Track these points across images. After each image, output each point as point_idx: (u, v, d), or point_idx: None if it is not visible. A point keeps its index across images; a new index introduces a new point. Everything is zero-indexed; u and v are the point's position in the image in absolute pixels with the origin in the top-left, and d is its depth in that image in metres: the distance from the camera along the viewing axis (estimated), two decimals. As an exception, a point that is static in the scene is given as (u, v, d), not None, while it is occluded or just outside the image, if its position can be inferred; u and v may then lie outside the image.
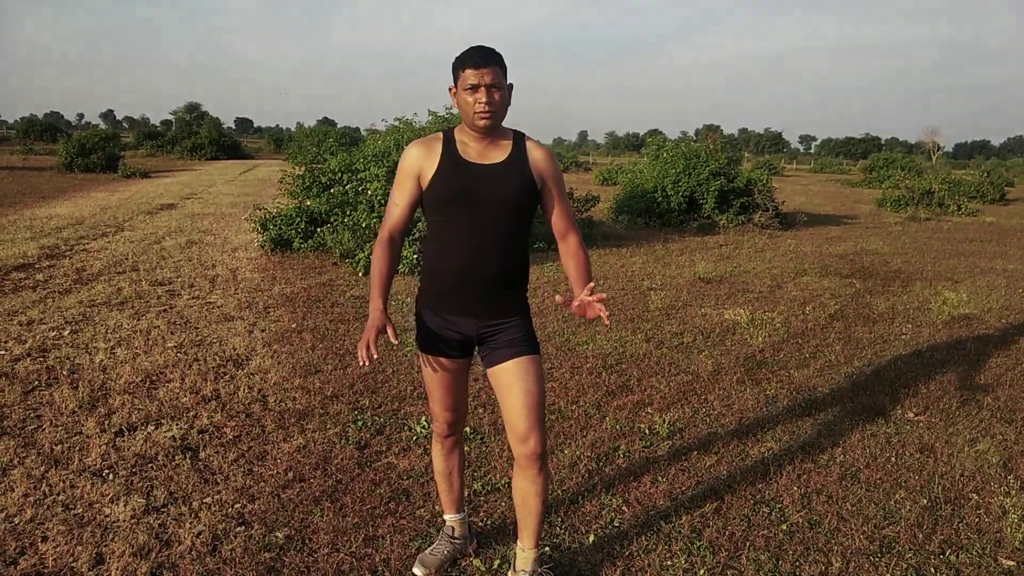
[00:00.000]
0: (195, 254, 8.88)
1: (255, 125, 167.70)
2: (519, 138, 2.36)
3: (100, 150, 24.13)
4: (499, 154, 2.30)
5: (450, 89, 2.27)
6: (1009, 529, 3.04)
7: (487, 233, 2.25)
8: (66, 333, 5.36)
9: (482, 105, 2.17)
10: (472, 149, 2.29)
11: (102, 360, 4.77)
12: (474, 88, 2.17)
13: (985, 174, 26.42)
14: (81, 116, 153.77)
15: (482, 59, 2.15)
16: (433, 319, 2.38)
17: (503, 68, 2.20)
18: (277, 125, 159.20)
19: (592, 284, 2.22)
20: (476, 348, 2.44)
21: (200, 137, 37.89)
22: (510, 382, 2.34)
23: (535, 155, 2.32)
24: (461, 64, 2.18)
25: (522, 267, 2.37)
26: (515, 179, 2.27)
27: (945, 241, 12.57)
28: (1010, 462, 3.73)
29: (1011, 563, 2.83)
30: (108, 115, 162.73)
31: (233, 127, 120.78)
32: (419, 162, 2.28)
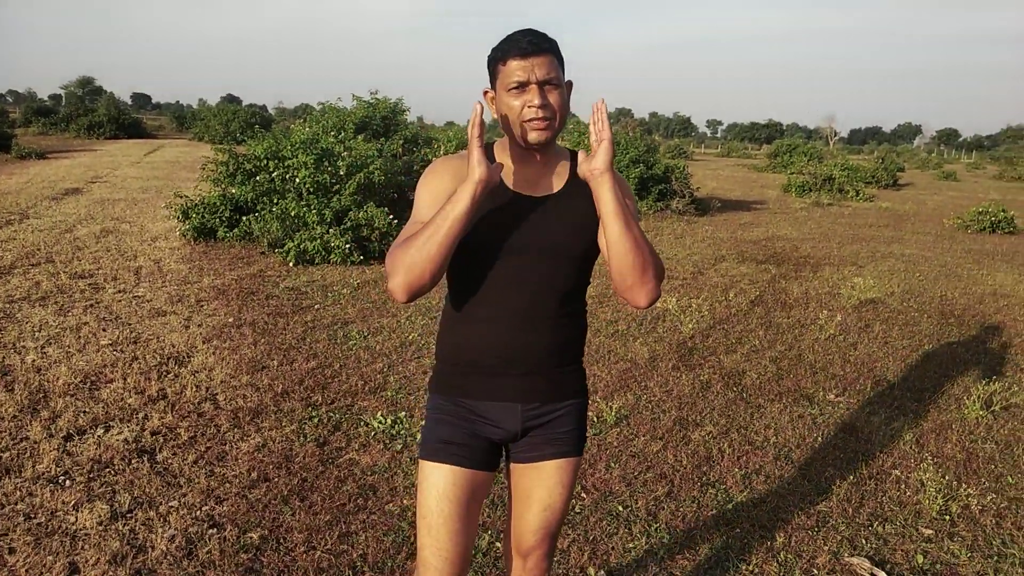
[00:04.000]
0: (112, 244, 8.54)
1: (153, 101, 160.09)
2: (576, 159, 1.73)
3: (-11, 128, 22.61)
4: (554, 182, 1.72)
5: (486, 92, 1.69)
6: (927, 501, 3.37)
7: (537, 291, 1.68)
8: (-12, 332, 5.13)
9: (534, 109, 1.58)
10: (519, 175, 1.69)
11: (34, 360, 4.61)
12: (522, 86, 1.58)
13: (880, 160, 28.01)
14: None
15: (532, 45, 1.56)
16: (459, 411, 1.76)
17: (560, 59, 1.62)
18: (178, 101, 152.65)
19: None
20: (507, 445, 1.83)
21: (98, 115, 35.86)
22: (531, 487, 1.81)
23: None
24: (503, 54, 1.59)
25: (581, 334, 1.82)
26: (577, 216, 1.69)
27: (847, 227, 13.34)
28: (921, 438, 4.11)
29: (930, 531, 3.15)
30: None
31: (130, 103, 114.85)
32: (453, 184, 1.63)
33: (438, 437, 1.75)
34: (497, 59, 1.61)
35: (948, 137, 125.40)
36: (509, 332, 1.70)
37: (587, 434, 1.95)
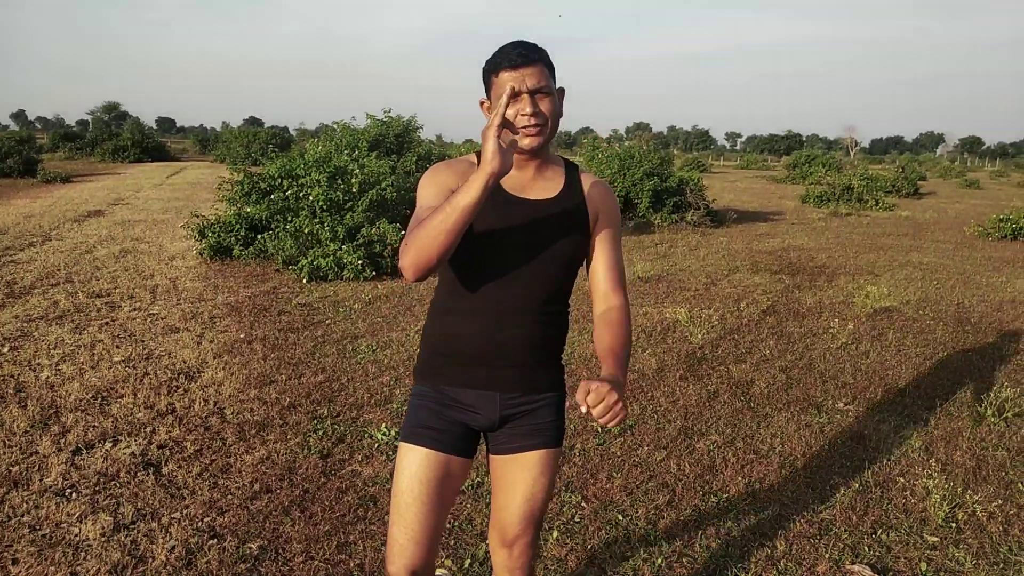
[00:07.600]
0: (131, 263, 8.69)
1: (178, 125, 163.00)
2: (572, 169, 1.86)
3: (16, 154, 23.06)
4: (548, 188, 1.81)
5: (481, 103, 1.78)
6: (932, 508, 3.33)
7: (523, 289, 1.77)
8: (5, 350, 5.23)
9: (527, 117, 1.67)
10: (513, 179, 1.79)
11: (48, 377, 4.69)
12: (515, 96, 1.67)
13: (900, 169, 27.76)
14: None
15: (522, 57, 1.65)
16: (439, 398, 1.85)
17: (550, 67, 1.71)
18: (201, 124, 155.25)
19: (601, 389, 1.49)
20: (487, 436, 1.92)
21: (122, 139, 36.50)
22: (515, 479, 1.87)
23: (594, 193, 1.85)
24: (495, 67, 1.68)
25: (562, 332, 1.89)
26: (567, 223, 1.78)
27: (865, 236, 13.22)
28: (931, 446, 4.06)
29: (935, 539, 3.11)
30: (19, 115, 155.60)
31: (155, 127, 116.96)
32: (453, 181, 1.74)
33: (416, 421, 1.85)
34: (490, 72, 1.71)
35: (971, 145, 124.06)
36: (492, 326, 1.78)
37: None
